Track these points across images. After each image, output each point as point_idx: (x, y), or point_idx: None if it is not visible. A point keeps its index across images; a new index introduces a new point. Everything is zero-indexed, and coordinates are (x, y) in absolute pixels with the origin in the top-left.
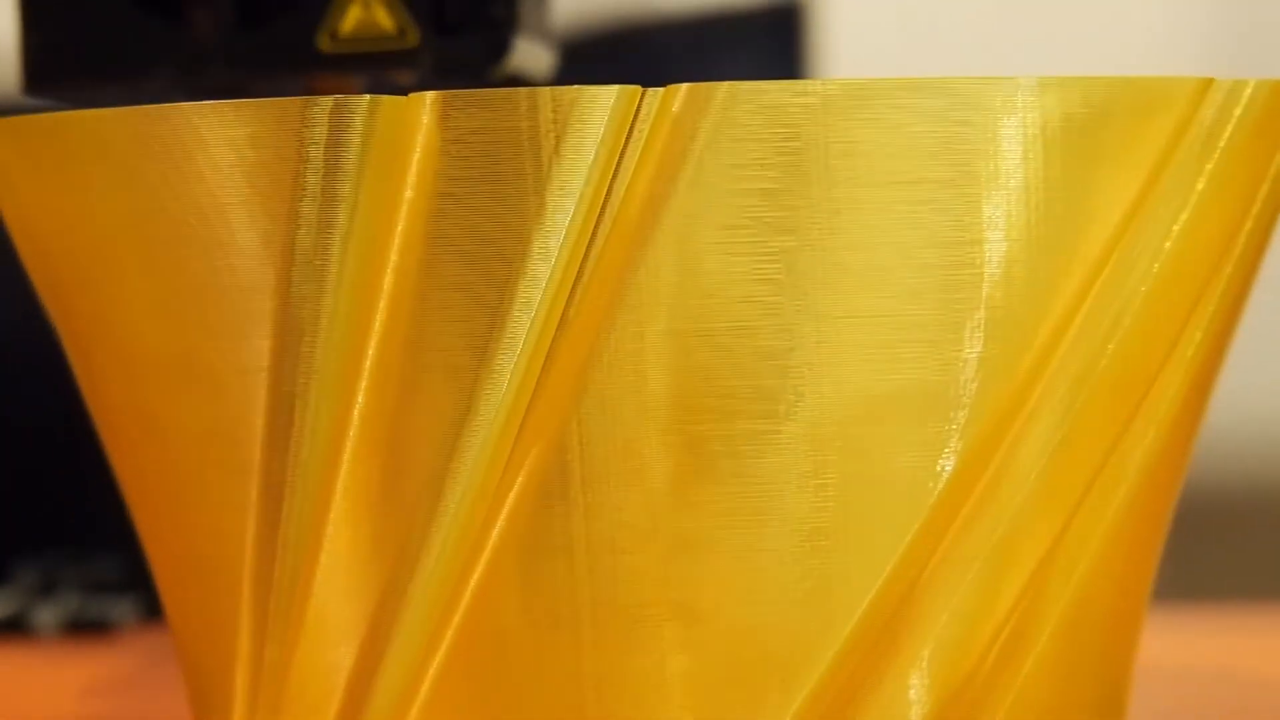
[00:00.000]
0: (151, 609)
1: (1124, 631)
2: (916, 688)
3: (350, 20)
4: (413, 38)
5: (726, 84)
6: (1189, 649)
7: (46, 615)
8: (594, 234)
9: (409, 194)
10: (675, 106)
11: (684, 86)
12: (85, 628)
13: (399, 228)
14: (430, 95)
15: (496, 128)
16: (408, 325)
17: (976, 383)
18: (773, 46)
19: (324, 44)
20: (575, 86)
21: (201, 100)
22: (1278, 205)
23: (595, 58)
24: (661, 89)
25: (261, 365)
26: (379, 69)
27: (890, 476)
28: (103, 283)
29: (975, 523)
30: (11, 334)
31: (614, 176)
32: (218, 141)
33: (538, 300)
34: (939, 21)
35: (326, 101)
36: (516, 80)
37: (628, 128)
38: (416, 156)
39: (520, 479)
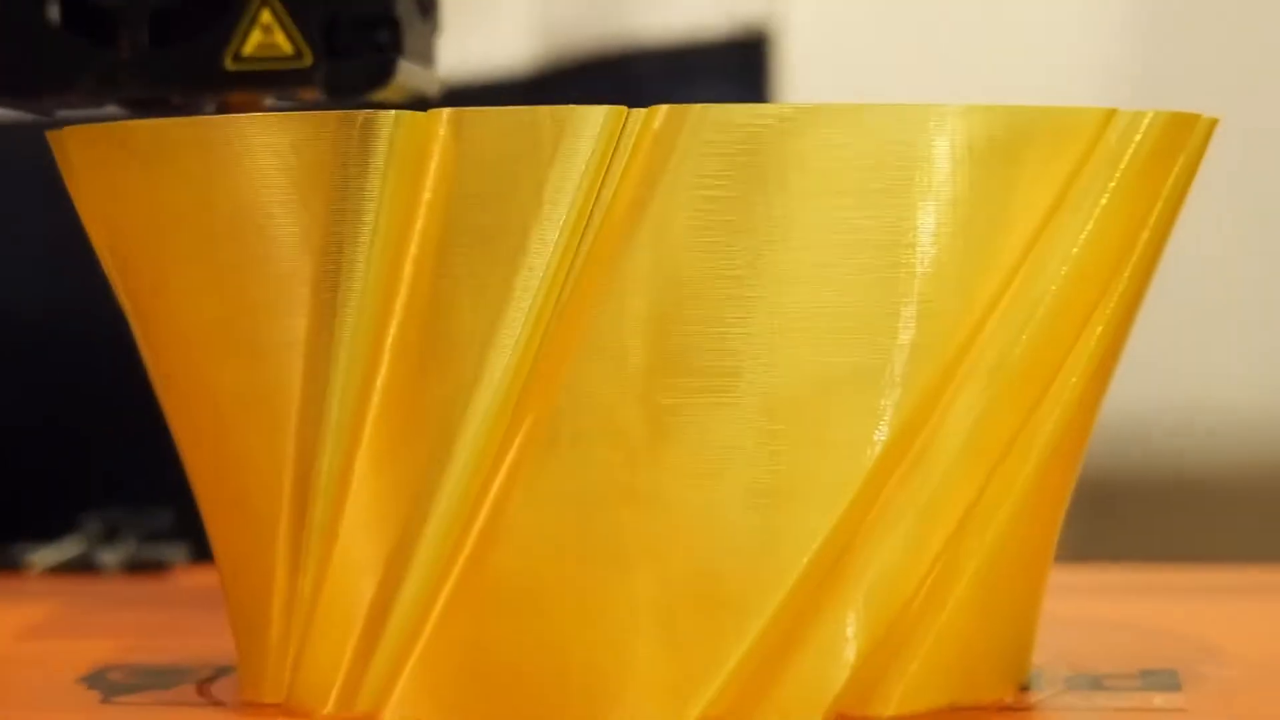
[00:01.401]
0: (198, 553)
1: (1032, 581)
2: (852, 625)
3: (252, 43)
4: (307, 59)
5: (698, 106)
6: (1091, 601)
7: (109, 557)
8: (584, 231)
9: (427, 195)
10: (655, 124)
11: (663, 107)
12: (142, 568)
13: (418, 224)
14: (447, 112)
15: (503, 140)
16: (425, 306)
17: (908, 365)
18: (741, 72)
19: (229, 63)
20: (570, 106)
21: (121, 108)
22: (1171, 219)
23: (580, 81)
24: (644, 109)
25: (298, 339)
26: (278, 87)
27: (833, 444)
28: (163, 267)
29: (905, 485)
30: (77, 313)
31: (602, 183)
32: (264, 147)
33: (535, 287)
34: (885, 52)
35: (358, 115)
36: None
37: (614, 142)
38: (434, 163)
39: (519, 439)
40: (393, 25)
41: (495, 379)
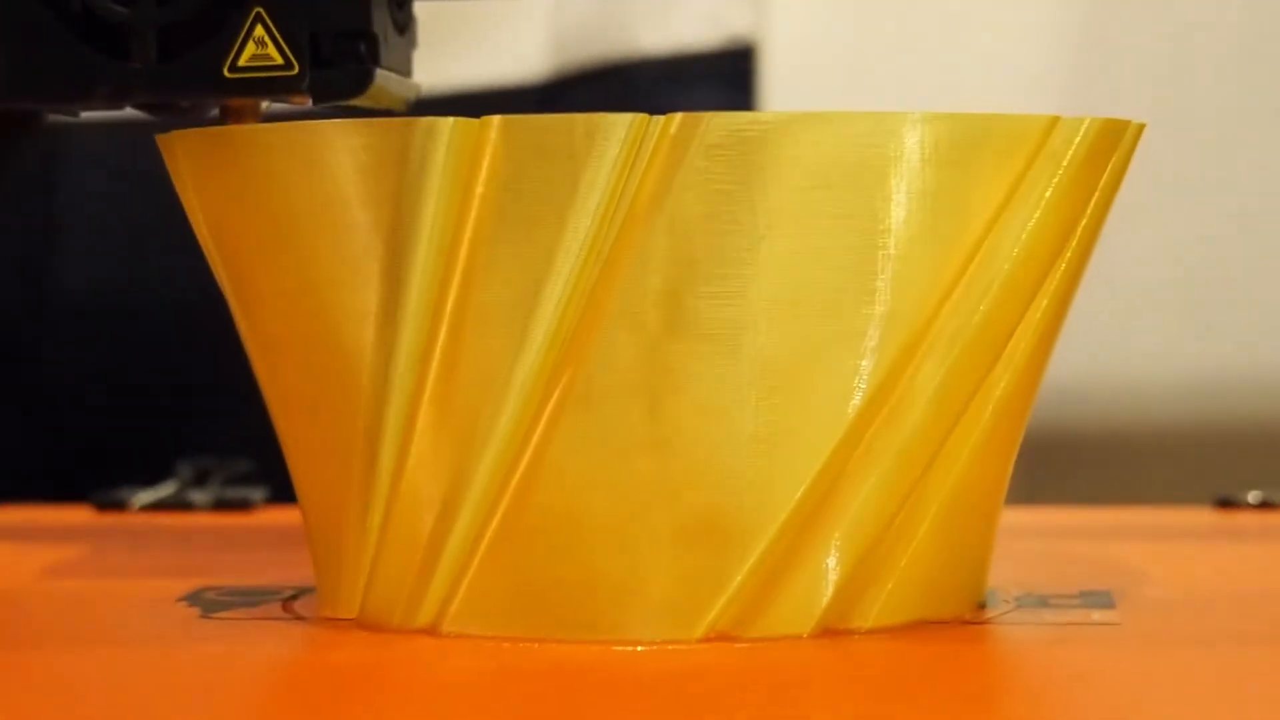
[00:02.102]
0: (275, 495)
1: (988, 516)
2: (836, 552)
3: (246, 55)
4: (295, 69)
5: (707, 114)
6: (1037, 536)
7: (201, 497)
8: (612, 219)
9: (480, 189)
10: (672, 129)
11: (678, 115)
12: (227, 507)
13: (472, 214)
14: (497, 119)
15: (543, 142)
16: (476, 282)
17: (881, 333)
18: (730, 80)
19: (227, 73)
20: (601, 114)
21: (132, 110)
22: (1104, 211)
23: (588, 89)
24: (662, 117)
25: (370, 309)
26: (270, 93)
27: (820, 399)
28: (258, 250)
29: (881, 435)
30: (174, 292)
31: (626, 178)
32: (342, 149)
33: (570, 266)
34: (857, 62)
35: (422, 121)
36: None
37: (638, 144)
38: (486, 162)
39: (556, 393)
40: (370, 39)
41: (536, 344)
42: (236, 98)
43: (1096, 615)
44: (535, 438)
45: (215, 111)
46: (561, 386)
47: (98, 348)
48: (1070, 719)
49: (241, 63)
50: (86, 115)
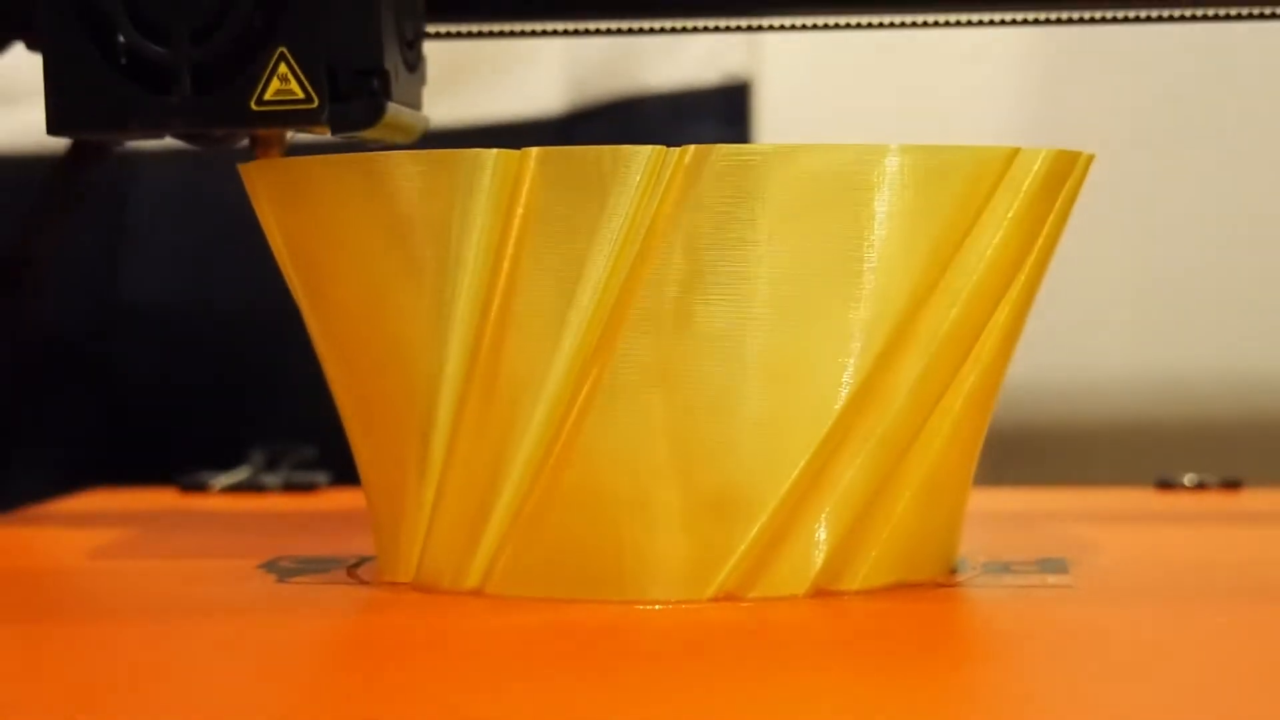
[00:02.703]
0: (337, 479)
1: (959, 493)
2: (825, 527)
3: (272, 89)
4: (315, 102)
5: (715, 145)
6: (1001, 513)
7: (272, 480)
8: (634, 235)
9: (520, 210)
10: (686, 158)
11: (692, 147)
12: (295, 488)
13: (513, 231)
14: (535, 150)
15: (575, 170)
16: (518, 290)
17: (864, 334)
18: (727, 114)
19: (254, 106)
20: (625, 146)
21: (175, 138)
22: (1059, 229)
23: (598, 121)
24: (678, 148)
25: (426, 314)
26: (293, 124)
27: (814, 390)
28: (329, 264)
29: (867, 421)
30: (239, 304)
31: (647, 200)
32: (401, 175)
33: (599, 276)
34: (841, 97)
35: (470, 153)
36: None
37: (657, 171)
38: (526, 187)
39: (587, 385)
40: (383, 75)
41: (569, 344)
42: (262, 128)
43: (1052, 579)
44: (568, 425)
45: (245, 140)
46: (590, 380)
47: (165, 351)
48: (1031, 666)
49: (267, 97)
50: (153, 144)
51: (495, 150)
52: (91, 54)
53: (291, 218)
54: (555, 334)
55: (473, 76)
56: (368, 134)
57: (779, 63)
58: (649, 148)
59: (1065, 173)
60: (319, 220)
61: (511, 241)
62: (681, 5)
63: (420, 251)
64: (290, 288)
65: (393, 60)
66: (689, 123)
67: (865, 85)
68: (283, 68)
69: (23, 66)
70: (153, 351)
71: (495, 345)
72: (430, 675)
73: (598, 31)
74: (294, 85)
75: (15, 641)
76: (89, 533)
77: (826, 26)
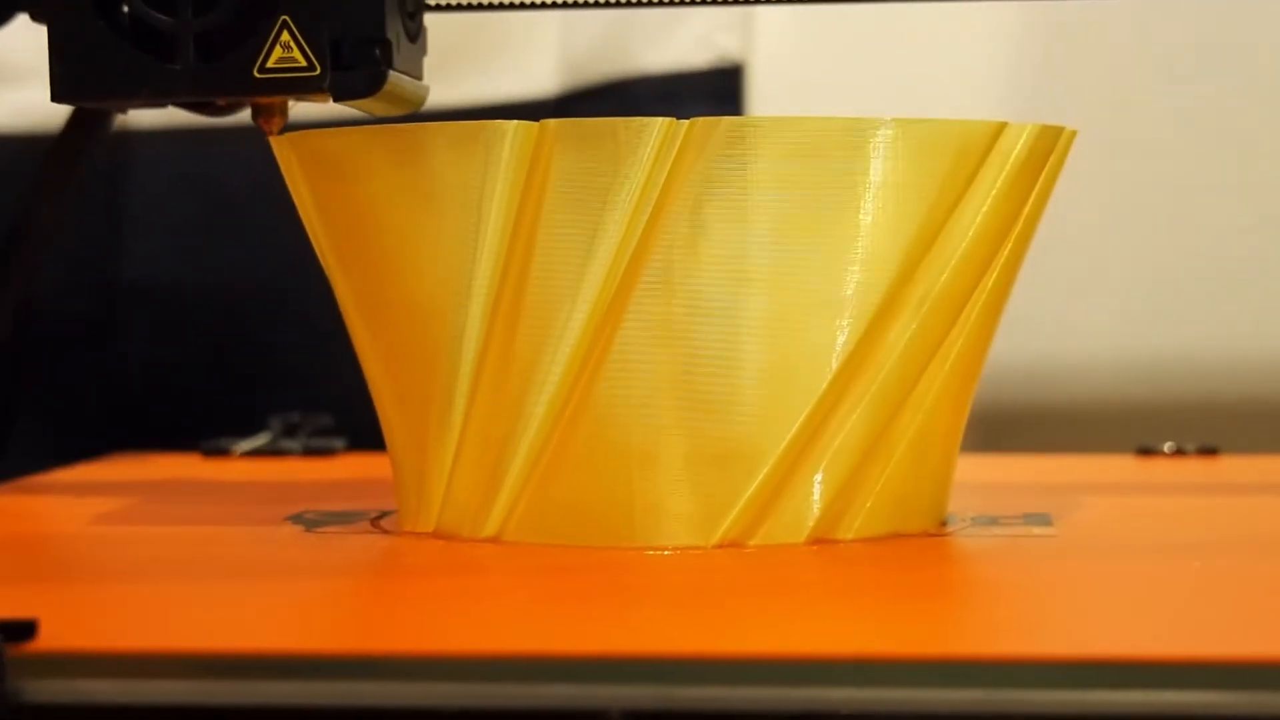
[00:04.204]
0: (353, 444)
1: (948, 451)
2: (825, 476)
3: (275, 57)
4: (318, 70)
5: (720, 117)
6: (989, 474)
7: (292, 445)
8: (645, 201)
9: (538, 179)
10: (695, 130)
11: (700, 119)
12: (314, 453)
13: (532, 201)
14: (553, 122)
15: (591, 140)
16: (536, 254)
17: (856, 299)
18: (719, 95)
19: (257, 73)
20: (639, 118)
21: (186, 117)
22: (1044, 201)
23: (592, 102)
24: (686, 120)
25: (450, 277)
26: (295, 91)
27: (813, 349)
28: (360, 228)
29: (861, 381)
30: (237, 281)
31: (657, 169)
32: (434, 145)
33: (613, 239)
34: (829, 78)
35: (491, 124)
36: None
37: (667, 141)
38: (544, 156)
39: (599, 347)
40: (384, 45)
41: (584, 306)
42: (265, 96)
43: (1037, 530)
44: (581, 382)
45: (248, 107)
46: (603, 340)
47: (166, 329)
48: (1016, 606)
49: (270, 64)
50: (147, 122)
51: (515, 122)
52: (96, 22)
53: (324, 187)
54: (570, 296)
55: (468, 58)
56: (368, 103)
57: (770, 45)
58: (661, 119)
59: (1049, 147)
60: (350, 189)
61: (530, 208)
62: None
63: (444, 217)
64: (319, 253)
65: (394, 29)
66: (682, 104)
67: (855, 67)
68: (285, 35)
69: (19, 47)
70: (153, 330)
71: (513, 307)
72: (455, 605)
73: (594, 4)
74: (296, 53)
75: (75, 591)
76: (119, 493)
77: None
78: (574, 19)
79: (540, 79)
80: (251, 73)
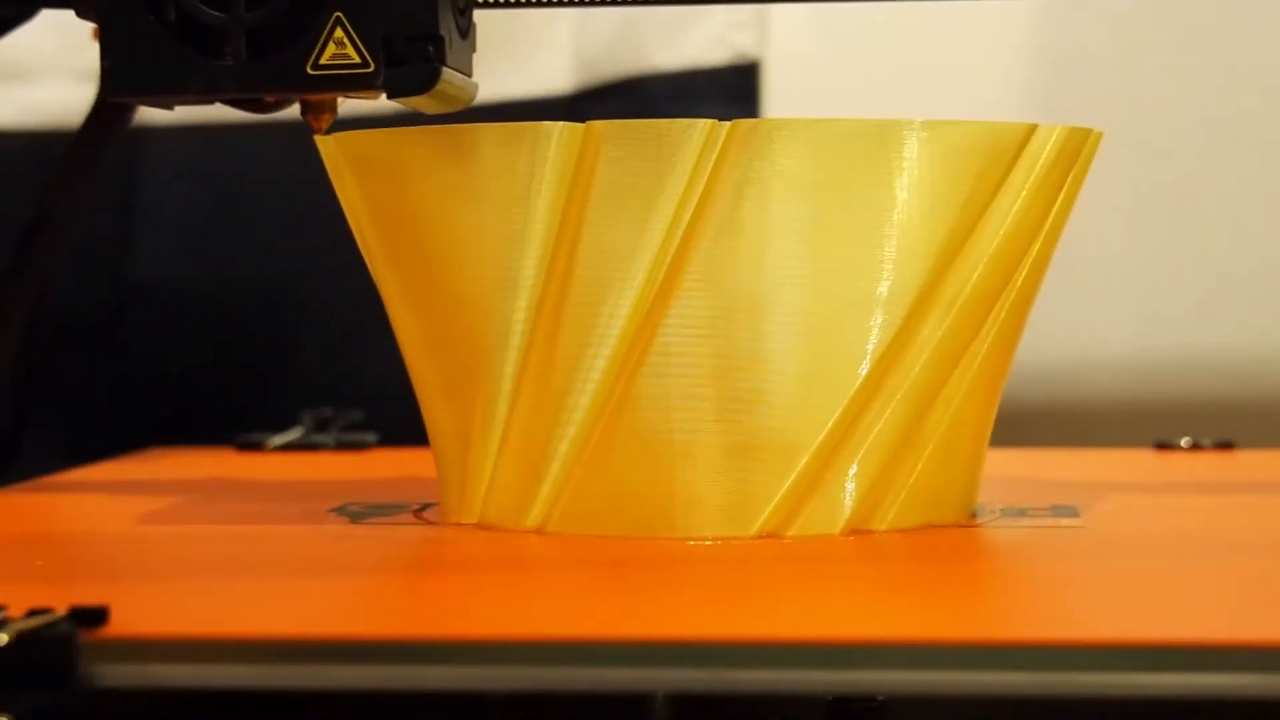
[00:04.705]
0: (383, 440)
1: (978, 445)
2: (858, 472)
3: (328, 54)
4: (371, 67)
5: (766, 120)
6: (1017, 468)
7: (324, 440)
8: (688, 201)
9: (583, 179)
10: (737, 131)
11: (742, 121)
12: (347, 447)
13: (578, 199)
14: (601, 123)
15: (637, 141)
16: (581, 253)
17: (888, 298)
18: (735, 93)
19: (310, 70)
20: (682, 119)
21: (201, 115)
22: (1071, 201)
23: (607, 100)
24: (728, 122)
25: (496, 274)
26: (347, 88)
27: (847, 349)
28: (409, 227)
29: (893, 378)
30: (250, 280)
31: (700, 169)
32: (482, 145)
33: (657, 237)
34: (847, 76)
35: (538, 125)
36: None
37: (711, 141)
38: (591, 154)
39: (642, 342)
40: (437, 41)
41: (627, 303)
42: (318, 92)
43: (1065, 521)
44: (624, 377)
45: (294, 104)
46: (646, 335)
47: (176, 326)
48: (1050, 593)
49: (323, 61)
50: (161, 119)
51: (561, 123)
52: (147, 18)
53: (372, 185)
54: (614, 292)
55: (481, 56)
56: (420, 100)
57: (786, 43)
58: (705, 121)
59: (1078, 149)
60: (398, 187)
61: (575, 206)
62: None
63: (491, 215)
64: (363, 249)
65: (447, 26)
66: (697, 102)
67: (871, 65)
68: (339, 32)
69: (29, 45)
70: (163, 326)
71: (558, 303)
72: (504, 593)
73: (611, 1)
74: (350, 49)
75: (136, 583)
76: (163, 488)
77: None
78: (588, 16)
79: (554, 77)
80: (304, 69)
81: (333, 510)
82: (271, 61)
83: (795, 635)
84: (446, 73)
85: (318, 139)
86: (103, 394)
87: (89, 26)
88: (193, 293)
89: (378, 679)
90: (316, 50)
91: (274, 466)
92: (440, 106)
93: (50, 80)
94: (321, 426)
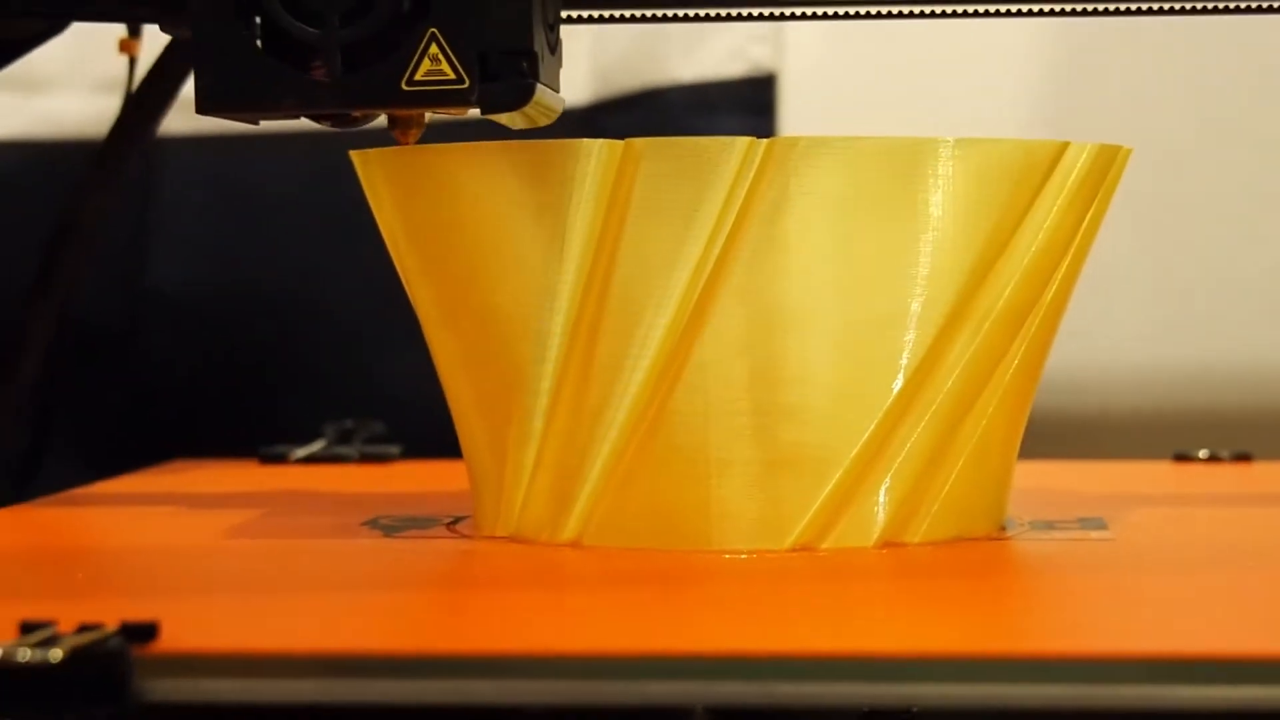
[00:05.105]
0: (406, 452)
1: (1007, 459)
2: (888, 487)
3: (423, 70)
4: (467, 83)
5: (803, 137)
6: (1045, 480)
7: (348, 452)
8: (724, 218)
9: (621, 196)
10: (775, 149)
11: (780, 138)
12: (372, 459)
13: (616, 216)
14: (640, 140)
15: (675, 159)
16: (618, 269)
17: (920, 315)
18: (752, 104)
19: (405, 86)
20: (721, 137)
21: (220, 126)
22: (1101, 216)
23: (624, 111)
24: (766, 140)
25: (533, 292)
26: (442, 104)
27: (880, 365)
28: (446, 244)
29: (926, 394)
30: (267, 291)
31: (738, 186)
32: (522, 163)
33: (695, 253)
34: (862, 88)
35: (578, 143)
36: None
37: (749, 158)
38: (628, 175)
39: (679, 358)
40: (531, 57)
41: (665, 319)
42: (413, 108)
43: (1094, 535)
44: (660, 392)
45: (383, 119)
46: (683, 350)
47: (192, 337)
48: (1079, 608)
49: (418, 77)
50: (178, 129)
51: (600, 140)
52: (242, 34)
53: (409, 201)
54: (652, 308)
55: None
56: (512, 115)
57: (803, 55)
58: (743, 139)
59: (1107, 165)
60: (437, 203)
61: (614, 223)
62: None
63: (530, 232)
64: (397, 263)
65: (540, 42)
66: (714, 114)
67: (887, 78)
68: (434, 48)
69: (45, 56)
70: (179, 336)
71: (595, 320)
72: (545, 607)
73: (624, 19)
74: (445, 66)
75: (179, 598)
76: (191, 502)
77: (848, 16)
78: (605, 27)
79: (571, 88)
80: (399, 85)
81: (365, 524)
82: (366, 77)
83: (831, 649)
84: (539, 88)
85: (354, 155)
86: (119, 403)
87: (105, 37)
88: (208, 302)
89: (424, 693)
90: (411, 66)
91: (301, 479)
92: (528, 122)
93: (64, 91)
94: (344, 438)
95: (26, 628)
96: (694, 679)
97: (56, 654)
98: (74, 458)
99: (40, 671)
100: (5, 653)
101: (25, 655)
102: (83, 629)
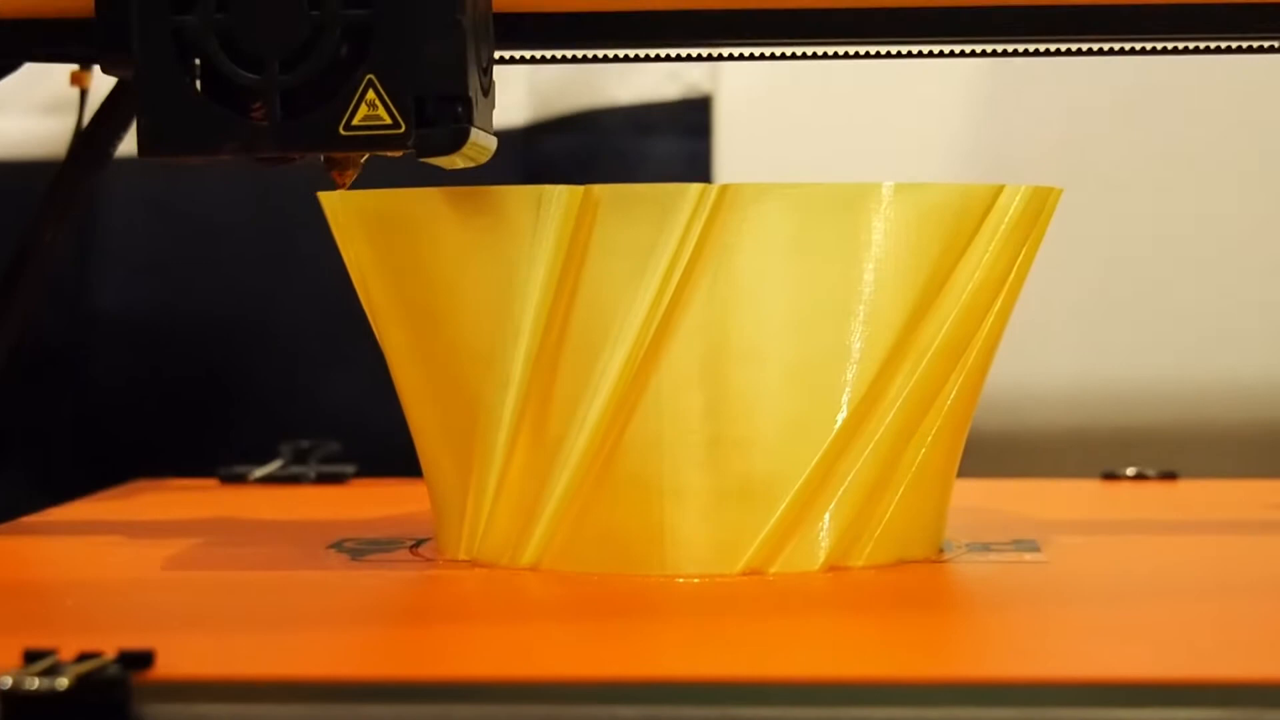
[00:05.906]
0: (362, 471)
1: (945, 484)
2: (837, 510)
3: (360, 115)
4: (403, 128)
5: (749, 184)
6: (980, 500)
7: (304, 471)
8: (679, 257)
9: (583, 235)
10: (725, 194)
11: (729, 185)
12: (327, 480)
13: (578, 251)
14: (599, 186)
15: (633, 204)
16: (577, 307)
17: (861, 351)
18: (687, 127)
19: (343, 130)
20: (676, 184)
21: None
22: (1033, 254)
23: (560, 133)
24: (716, 185)
25: (496, 327)
26: (379, 149)
27: (826, 397)
28: (412, 284)
29: (869, 425)
30: (209, 313)
31: (691, 228)
32: (490, 205)
33: (651, 291)
34: (796, 112)
35: (542, 188)
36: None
37: (702, 202)
38: (589, 215)
39: (634, 392)
40: (466, 102)
41: (620, 355)
42: (350, 152)
43: (1028, 556)
44: (618, 423)
45: (321, 163)
46: (639, 384)
47: (136, 359)
48: (1019, 632)
49: (355, 122)
50: (121, 151)
51: (562, 186)
52: (183, 79)
53: (378, 241)
54: (609, 344)
55: None
56: (447, 158)
57: (738, 78)
58: (696, 185)
59: (1040, 206)
60: (402, 244)
61: (574, 264)
62: (640, 32)
63: (494, 274)
64: (363, 299)
65: (474, 86)
66: (651, 135)
67: (824, 99)
68: (371, 94)
69: None
70: (123, 359)
71: (555, 354)
72: (506, 629)
73: (556, 59)
74: (381, 111)
75: (165, 626)
76: (157, 527)
77: (781, 56)
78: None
79: (509, 110)
80: (337, 129)
81: (330, 546)
82: (305, 122)
83: (782, 674)
84: (473, 132)
85: (322, 196)
86: (68, 427)
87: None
88: (152, 325)
89: (412, 717)
90: (349, 111)
91: (262, 501)
92: (464, 163)
93: (6, 113)
94: (300, 457)
95: (31, 656)
96: (651, 704)
97: (63, 682)
98: (19, 481)
99: (48, 699)
100: (15, 682)
101: (34, 684)
102: (83, 657)
